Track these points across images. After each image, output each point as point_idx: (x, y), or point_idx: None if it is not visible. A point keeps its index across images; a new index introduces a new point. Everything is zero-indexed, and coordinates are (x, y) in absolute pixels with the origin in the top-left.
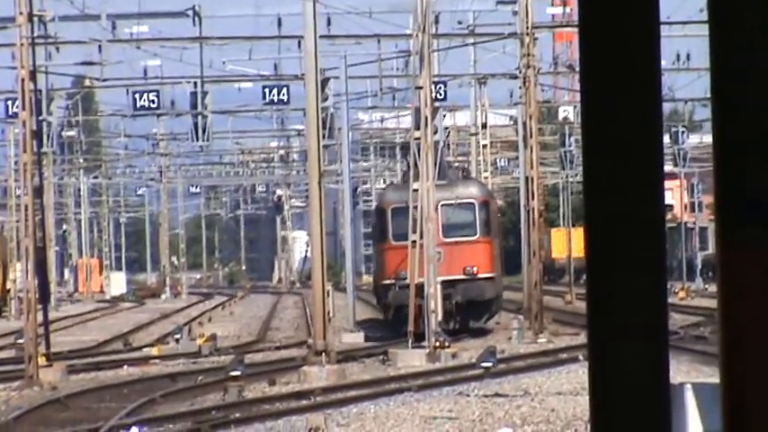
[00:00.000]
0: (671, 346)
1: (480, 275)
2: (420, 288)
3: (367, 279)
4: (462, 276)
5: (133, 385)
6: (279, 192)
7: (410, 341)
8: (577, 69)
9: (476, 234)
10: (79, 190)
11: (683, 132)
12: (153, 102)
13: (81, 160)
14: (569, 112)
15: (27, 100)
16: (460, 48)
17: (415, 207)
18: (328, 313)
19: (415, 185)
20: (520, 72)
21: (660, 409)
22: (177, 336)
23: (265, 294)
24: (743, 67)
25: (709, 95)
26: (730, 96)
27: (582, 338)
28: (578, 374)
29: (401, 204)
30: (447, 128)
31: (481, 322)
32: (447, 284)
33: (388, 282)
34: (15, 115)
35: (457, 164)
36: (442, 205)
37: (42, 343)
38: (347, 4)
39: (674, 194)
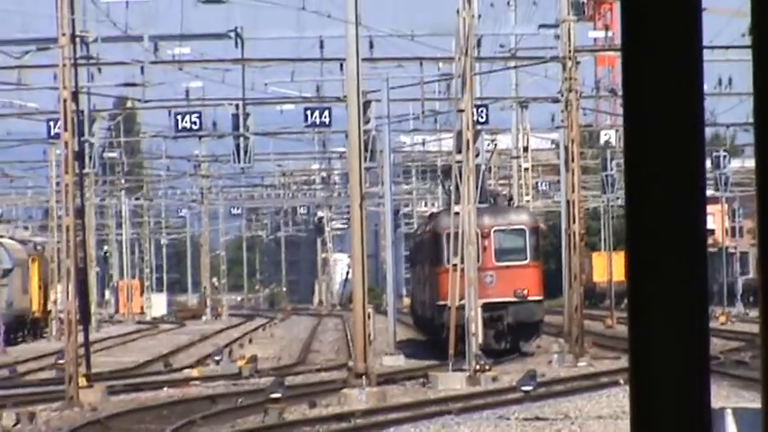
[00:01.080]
0: (712, 371)
1: (530, 298)
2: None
3: (408, 302)
4: (513, 299)
5: (173, 407)
6: (320, 214)
7: (451, 364)
8: (619, 93)
9: (526, 258)
10: (120, 211)
11: (724, 157)
12: (195, 123)
13: (122, 181)
14: (611, 135)
15: (69, 121)
16: (502, 71)
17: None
18: (369, 335)
19: (457, 209)
20: (561, 96)
21: None
22: (218, 357)
23: (306, 316)
24: None
25: (751, 120)
26: None
27: (623, 362)
28: (619, 399)
29: (457, 229)
30: (491, 150)
31: (530, 343)
32: (499, 306)
33: (443, 303)
34: (57, 136)
35: (503, 191)
36: (495, 231)
37: (83, 364)
38: (390, 26)
39: (715, 219)
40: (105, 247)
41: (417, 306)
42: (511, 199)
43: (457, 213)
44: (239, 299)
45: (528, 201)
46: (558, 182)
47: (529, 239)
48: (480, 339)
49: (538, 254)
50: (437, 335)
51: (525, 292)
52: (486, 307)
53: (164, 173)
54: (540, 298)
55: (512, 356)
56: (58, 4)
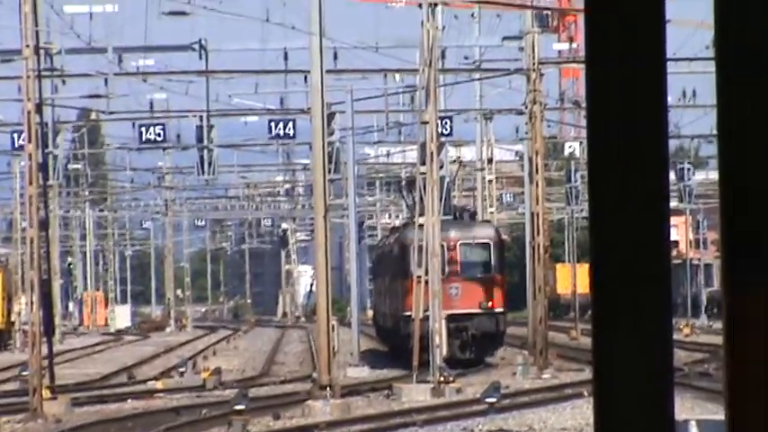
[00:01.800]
0: (676, 383)
1: (495, 310)
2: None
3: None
4: (478, 310)
5: (137, 419)
6: (284, 226)
7: (415, 375)
8: (584, 105)
9: (491, 271)
10: (84, 223)
11: (688, 169)
12: (159, 135)
13: (86, 193)
14: (575, 147)
15: (33, 133)
16: (467, 83)
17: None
18: (333, 347)
19: (421, 220)
20: (526, 107)
21: None
22: (182, 369)
23: (270, 328)
24: (749, 104)
25: (715, 132)
26: (736, 133)
27: (587, 374)
28: (583, 410)
29: (422, 241)
30: (458, 161)
31: (494, 353)
32: (464, 318)
33: (408, 314)
34: (21, 148)
35: (468, 206)
36: (461, 244)
37: (47, 376)
38: (354, 38)
39: (679, 231)
40: (69, 259)
41: (380, 317)
42: (475, 213)
43: (421, 225)
44: (203, 310)
45: (492, 213)
46: (523, 194)
47: (494, 253)
48: (445, 351)
49: (502, 267)
50: (401, 345)
51: (489, 303)
52: (451, 318)
53: (128, 184)
54: (503, 310)
55: (476, 368)
56: (22, 16)
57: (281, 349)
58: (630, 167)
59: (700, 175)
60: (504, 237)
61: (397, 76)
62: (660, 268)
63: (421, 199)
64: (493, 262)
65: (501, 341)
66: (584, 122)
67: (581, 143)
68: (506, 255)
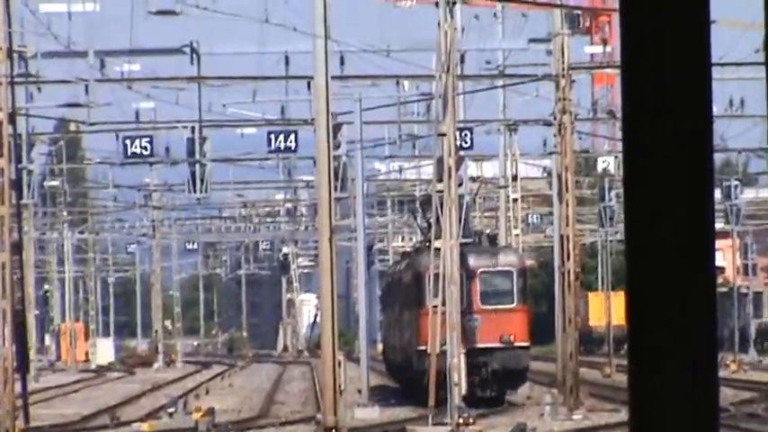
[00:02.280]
0: (722, 425)
1: (517, 344)
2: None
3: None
4: (499, 344)
5: None
6: (285, 250)
7: (431, 416)
8: (619, 116)
9: (513, 302)
10: (63, 246)
11: (736, 186)
12: (145, 148)
13: (65, 213)
14: (610, 163)
15: (6, 145)
16: (488, 90)
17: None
18: (339, 385)
19: (437, 243)
20: (554, 118)
21: None
22: (171, 410)
23: (269, 364)
24: None
25: (765, 145)
26: None
27: (622, 415)
28: None
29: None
30: (479, 178)
31: (517, 391)
32: (484, 352)
33: (423, 348)
34: None
35: (488, 230)
36: (480, 272)
37: (21, 417)
38: (363, 41)
39: (725, 255)
40: (46, 287)
41: (391, 351)
42: (496, 237)
43: (437, 250)
44: (195, 344)
45: (517, 235)
46: (551, 214)
47: (516, 282)
48: (464, 389)
49: (525, 297)
50: (414, 383)
51: (512, 337)
52: (470, 353)
53: (111, 203)
54: (527, 344)
55: (498, 408)
56: None
57: (282, 387)
58: (671, 185)
59: (749, 194)
60: (531, 262)
61: (409, 83)
62: (704, 297)
63: (437, 220)
64: (515, 291)
65: (524, 378)
66: (619, 135)
67: (616, 157)
68: (533, 282)
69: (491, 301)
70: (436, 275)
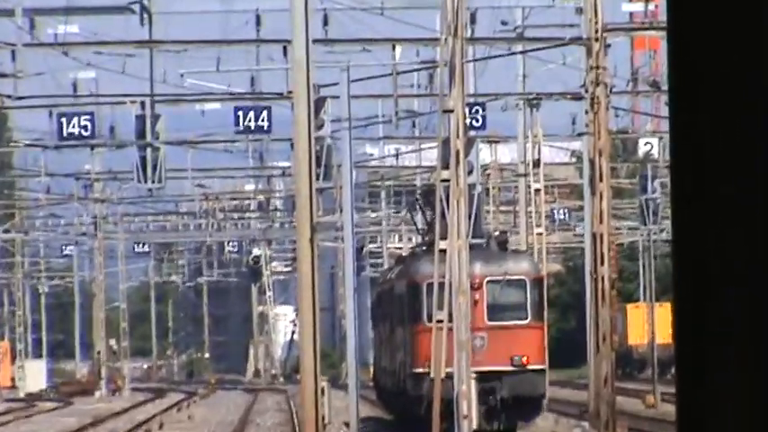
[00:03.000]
0: None
1: (531, 366)
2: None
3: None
4: (510, 367)
5: None
6: (256, 252)
7: None
8: (665, 88)
9: (527, 317)
10: None
11: None
12: (85, 128)
13: None
14: (653, 145)
15: None
16: (505, 57)
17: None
18: (323, 418)
19: (443, 244)
20: (585, 91)
21: None
22: None
23: (237, 392)
24: None
25: None
26: None
27: None
28: None
29: (439, 279)
30: (494, 164)
31: (529, 424)
32: (491, 377)
33: (420, 371)
34: None
35: (496, 231)
36: (487, 282)
37: None
38: None
39: None
40: None
41: (382, 374)
42: (507, 241)
43: (442, 252)
44: (145, 367)
45: (540, 234)
46: (581, 209)
47: (530, 294)
48: (475, 422)
49: (541, 312)
50: (409, 412)
51: (525, 359)
52: (475, 377)
53: (42, 195)
54: (542, 367)
55: None
56: None
57: (252, 419)
58: (728, 175)
59: None
60: (557, 267)
61: (407, 48)
62: (765, 312)
63: (442, 216)
64: (529, 304)
65: (539, 408)
66: (664, 111)
67: (661, 139)
68: (559, 291)
69: (500, 316)
70: (441, 284)
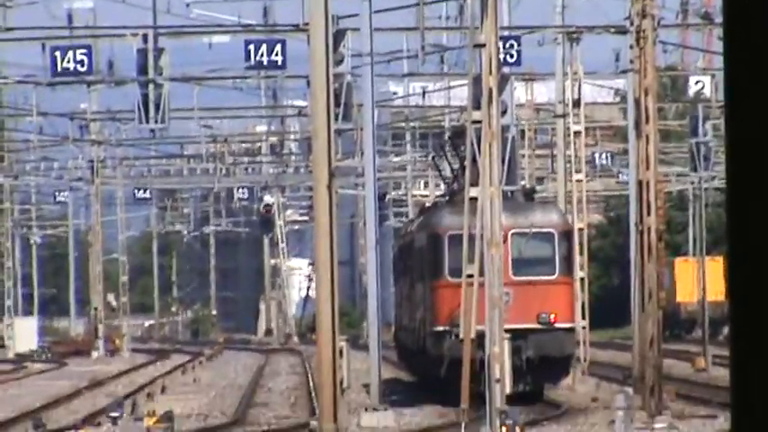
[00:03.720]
0: None
1: (559, 325)
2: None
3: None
4: (536, 325)
5: None
6: (268, 199)
7: (464, 424)
8: (719, 20)
9: (554, 272)
10: None
11: None
12: (81, 63)
13: None
14: (705, 84)
15: None
16: None
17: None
18: (341, 382)
19: (474, 192)
20: (631, 24)
21: None
22: (115, 414)
23: (247, 352)
24: None
25: None
26: None
27: (722, 423)
28: None
29: (461, 231)
30: (530, 104)
31: (558, 384)
32: (516, 335)
33: (441, 329)
34: None
35: (522, 181)
36: (512, 234)
37: None
38: None
39: None
40: None
41: (403, 333)
42: (533, 191)
43: (474, 199)
44: (147, 325)
45: (579, 181)
46: (625, 153)
47: (558, 247)
48: (508, 386)
49: (570, 266)
50: (429, 372)
51: (552, 317)
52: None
53: (34, 137)
54: (571, 325)
55: (557, 412)
56: None
57: (264, 383)
58: None
59: None
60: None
61: None
62: None
63: (473, 160)
64: (558, 259)
65: (567, 368)
66: (717, 46)
67: (713, 77)
68: (601, 244)
69: (526, 271)
70: (471, 236)
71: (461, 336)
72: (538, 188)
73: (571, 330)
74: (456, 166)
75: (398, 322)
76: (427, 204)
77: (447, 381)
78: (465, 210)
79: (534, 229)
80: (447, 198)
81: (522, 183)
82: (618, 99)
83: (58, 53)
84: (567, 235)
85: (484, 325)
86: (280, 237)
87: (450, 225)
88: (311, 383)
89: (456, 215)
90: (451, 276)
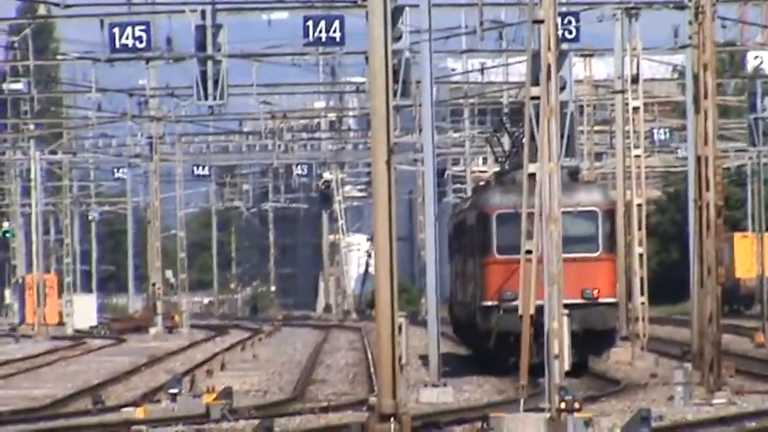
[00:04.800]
0: None
1: (602, 300)
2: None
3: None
4: (580, 300)
5: None
6: (327, 176)
7: (523, 400)
8: None
9: (598, 250)
10: (29, 171)
11: None
12: (140, 39)
13: (31, 126)
14: (764, 59)
15: None
16: None
17: (530, 214)
18: (400, 358)
19: (532, 168)
20: (689, 0)
21: None
22: (173, 390)
23: (305, 329)
24: None
25: None
26: None
27: None
28: None
29: (509, 210)
30: (588, 80)
31: (601, 358)
32: None
33: (489, 304)
34: None
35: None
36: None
37: None
38: None
39: None
40: (5, 224)
41: (457, 308)
42: (578, 171)
43: (532, 175)
44: (206, 302)
45: (638, 156)
46: (684, 129)
47: (602, 226)
48: (567, 363)
49: (612, 244)
50: (478, 345)
51: (596, 292)
52: (543, 310)
53: (93, 113)
54: (614, 300)
55: (616, 388)
56: None
57: (323, 360)
58: None
59: None
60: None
61: None
62: None
63: (532, 137)
64: (601, 236)
65: (611, 342)
66: None
67: None
68: (660, 220)
69: (570, 248)
70: (515, 219)
71: (520, 311)
72: (597, 164)
73: (614, 305)
74: (509, 145)
75: (453, 298)
76: (481, 183)
77: (495, 353)
78: (524, 185)
79: (579, 208)
80: (500, 175)
81: (571, 161)
82: (676, 75)
83: (116, 30)
84: (610, 213)
85: (537, 300)
86: (338, 213)
87: (498, 204)
88: (370, 360)
89: (504, 194)
90: (499, 254)
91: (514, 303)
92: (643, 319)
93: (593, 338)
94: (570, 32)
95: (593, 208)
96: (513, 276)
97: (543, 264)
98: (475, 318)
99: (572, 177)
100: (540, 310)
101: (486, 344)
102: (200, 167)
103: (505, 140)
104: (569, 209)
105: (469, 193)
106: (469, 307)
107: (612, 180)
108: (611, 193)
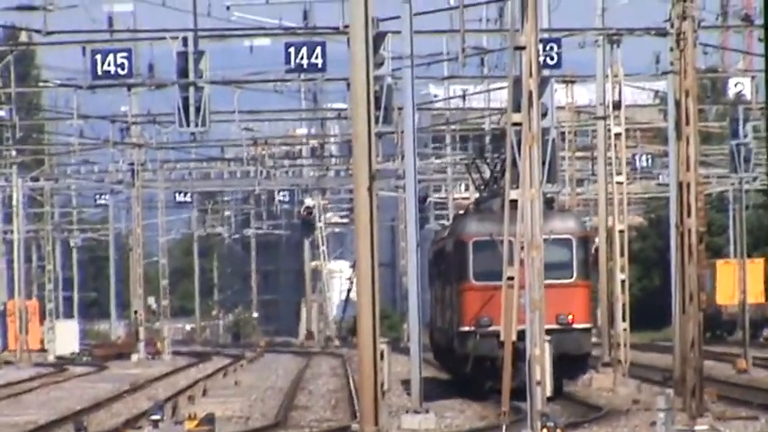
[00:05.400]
0: None
1: (576, 325)
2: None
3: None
4: (555, 326)
5: None
6: (308, 202)
7: (505, 427)
8: (759, 22)
9: (572, 276)
10: (11, 198)
11: None
12: (122, 66)
13: (13, 152)
14: (744, 85)
15: None
16: None
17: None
18: (382, 384)
19: (514, 194)
20: (671, 26)
21: None
22: (156, 417)
23: (288, 355)
24: None
25: None
26: None
27: (763, 425)
28: None
29: (484, 237)
30: (570, 106)
31: (575, 382)
32: None
33: (466, 329)
34: None
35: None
36: None
37: None
38: None
39: None
40: None
41: (437, 334)
42: (552, 200)
43: (514, 201)
44: (188, 329)
45: (620, 183)
46: (666, 155)
47: (576, 252)
48: (548, 388)
49: (587, 271)
50: (456, 370)
51: (570, 317)
52: (520, 335)
53: (75, 140)
54: (588, 326)
55: (598, 414)
56: None
57: (305, 386)
58: None
59: None
60: (641, 219)
61: None
62: None
63: (513, 163)
64: (575, 263)
65: (585, 366)
66: (757, 48)
67: (753, 78)
68: (642, 246)
69: (546, 275)
70: (491, 246)
71: (502, 337)
72: (579, 190)
73: (588, 330)
74: (487, 174)
75: (433, 323)
76: (460, 211)
77: (472, 378)
78: (506, 211)
79: (554, 236)
80: (474, 205)
81: (553, 187)
82: (658, 101)
83: (98, 56)
84: (584, 240)
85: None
86: (320, 239)
87: (474, 232)
88: (352, 386)
89: (481, 222)
90: (476, 280)
91: (491, 329)
92: (625, 344)
93: (568, 363)
94: (552, 59)
95: (568, 236)
96: (489, 302)
97: (523, 290)
98: (453, 343)
99: (547, 205)
100: (518, 335)
101: (464, 368)
102: (182, 194)
103: (485, 168)
104: (544, 236)
105: (443, 224)
106: (448, 332)
107: (594, 206)
108: (586, 221)
